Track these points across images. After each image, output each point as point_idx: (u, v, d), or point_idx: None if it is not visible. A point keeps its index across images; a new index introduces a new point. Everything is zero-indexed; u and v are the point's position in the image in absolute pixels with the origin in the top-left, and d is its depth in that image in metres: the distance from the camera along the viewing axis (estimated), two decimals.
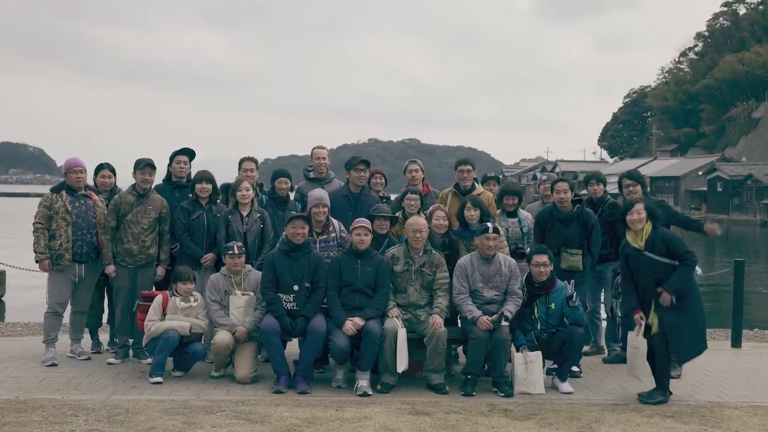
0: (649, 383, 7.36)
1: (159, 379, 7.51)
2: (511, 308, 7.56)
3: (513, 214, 8.88)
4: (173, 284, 7.94)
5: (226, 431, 5.96)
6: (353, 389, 7.39)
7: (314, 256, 7.78)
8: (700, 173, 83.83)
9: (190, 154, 9.06)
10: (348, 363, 7.74)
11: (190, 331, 7.67)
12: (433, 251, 7.90)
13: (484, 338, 7.40)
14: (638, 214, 7.18)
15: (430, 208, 8.28)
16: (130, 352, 8.47)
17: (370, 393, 7.32)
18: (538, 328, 7.68)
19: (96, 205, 8.38)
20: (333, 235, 8.15)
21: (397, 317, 7.59)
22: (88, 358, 8.48)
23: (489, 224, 7.69)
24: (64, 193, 8.24)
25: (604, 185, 9.23)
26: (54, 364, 8.07)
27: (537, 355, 7.54)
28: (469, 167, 8.90)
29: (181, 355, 7.77)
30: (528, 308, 7.76)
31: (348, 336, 7.39)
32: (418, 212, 8.24)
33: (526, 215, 9.01)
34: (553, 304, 7.64)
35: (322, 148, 9.42)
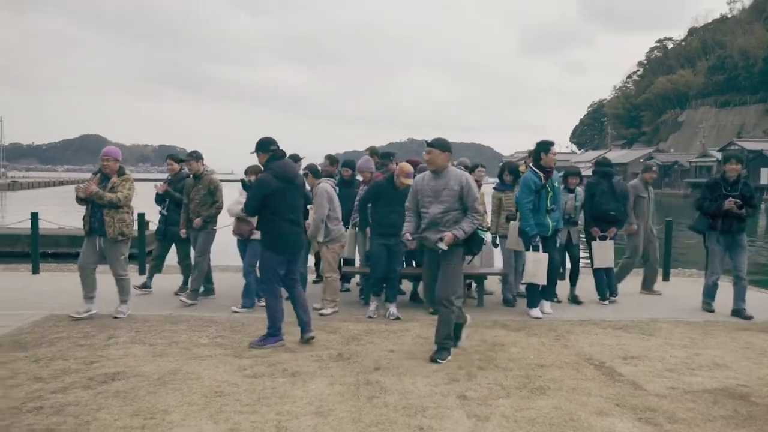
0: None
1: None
2: (465, 227, 5.33)
3: (572, 190, 8.00)
4: None
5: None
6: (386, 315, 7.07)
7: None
8: (642, 160, 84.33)
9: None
10: (381, 296, 7.19)
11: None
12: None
13: (427, 272, 5.72)
14: None
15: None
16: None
17: (400, 317, 6.98)
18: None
19: (109, 187, 6.76)
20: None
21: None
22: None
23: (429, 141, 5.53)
24: (99, 175, 6.86)
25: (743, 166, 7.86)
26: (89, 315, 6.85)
27: (544, 257, 7.02)
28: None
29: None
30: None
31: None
32: None
33: (580, 191, 8.08)
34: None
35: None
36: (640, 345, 6.06)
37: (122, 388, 4.56)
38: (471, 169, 8.40)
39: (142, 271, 9.91)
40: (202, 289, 7.86)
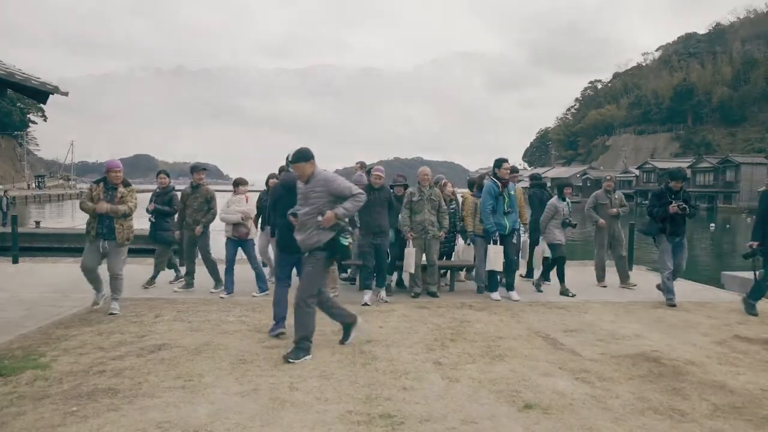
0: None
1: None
2: (347, 205, 4.43)
3: (564, 199, 7.74)
4: None
5: None
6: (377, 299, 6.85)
7: None
8: (578, 175, 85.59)
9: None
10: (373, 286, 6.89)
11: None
12: (435, 187, 7.24)
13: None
14: None
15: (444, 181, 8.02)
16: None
17: (388, 300, 6.86)
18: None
19: (118, 196, 6.04)
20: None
21: (411, 238, 7.01)
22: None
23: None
24: (101, 185, 6.03)
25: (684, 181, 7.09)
26: (96, 303, 6.30)
27: (501, 248, 6.96)
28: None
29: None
30: None
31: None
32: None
33: (567, 201, 7.79)
34: None
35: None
36: (577, 320, 6.06)
37: (167, 357, 4.51)
38: (470, 185, 8.26)
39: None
40: (184, 282, 7.52)
